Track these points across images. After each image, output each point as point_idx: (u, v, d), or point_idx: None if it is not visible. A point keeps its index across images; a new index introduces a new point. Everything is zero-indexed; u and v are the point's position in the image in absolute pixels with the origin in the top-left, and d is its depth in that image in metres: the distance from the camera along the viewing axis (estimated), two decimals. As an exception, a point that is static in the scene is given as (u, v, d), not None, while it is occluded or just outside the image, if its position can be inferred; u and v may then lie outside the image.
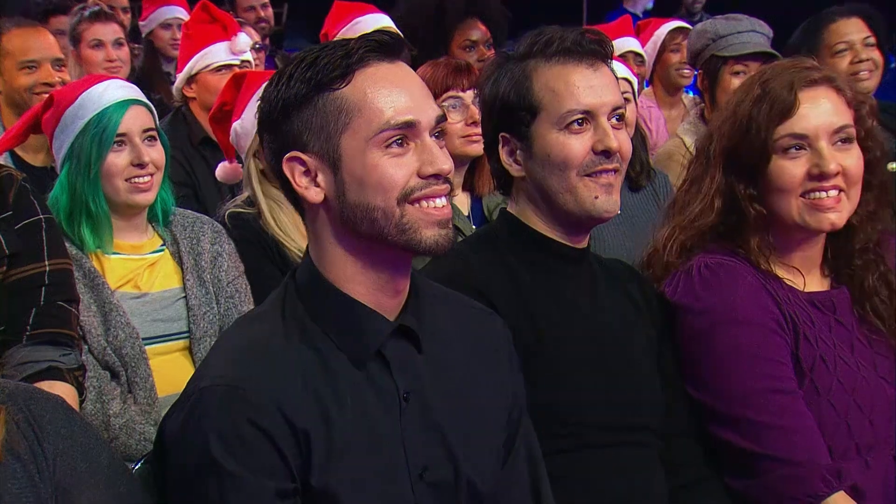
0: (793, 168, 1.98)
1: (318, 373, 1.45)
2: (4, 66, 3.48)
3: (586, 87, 1.85)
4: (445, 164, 1.48)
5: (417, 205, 1.47)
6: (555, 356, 1.85)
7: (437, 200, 1.49)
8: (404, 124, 1.46)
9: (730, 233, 2.03)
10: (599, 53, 1.89)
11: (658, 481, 1.92)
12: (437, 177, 1.48)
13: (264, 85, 1.52)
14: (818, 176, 1.96)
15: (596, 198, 1.87)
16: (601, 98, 1.86)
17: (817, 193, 1.97)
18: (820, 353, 1.97)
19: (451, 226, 1.52)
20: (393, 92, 1.46)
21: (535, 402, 1.77)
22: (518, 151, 1.91)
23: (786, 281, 2.04)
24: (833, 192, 1.97)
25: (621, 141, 1.88)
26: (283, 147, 1.47)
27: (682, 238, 2.07)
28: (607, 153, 1.86)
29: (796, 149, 1.98)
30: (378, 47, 1.47)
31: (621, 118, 1.91)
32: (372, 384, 1.49)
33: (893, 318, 2.05)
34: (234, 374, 1.43)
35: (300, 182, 1.47)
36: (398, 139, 1.46)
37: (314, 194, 1.47)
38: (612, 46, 1.94)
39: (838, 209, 1.98)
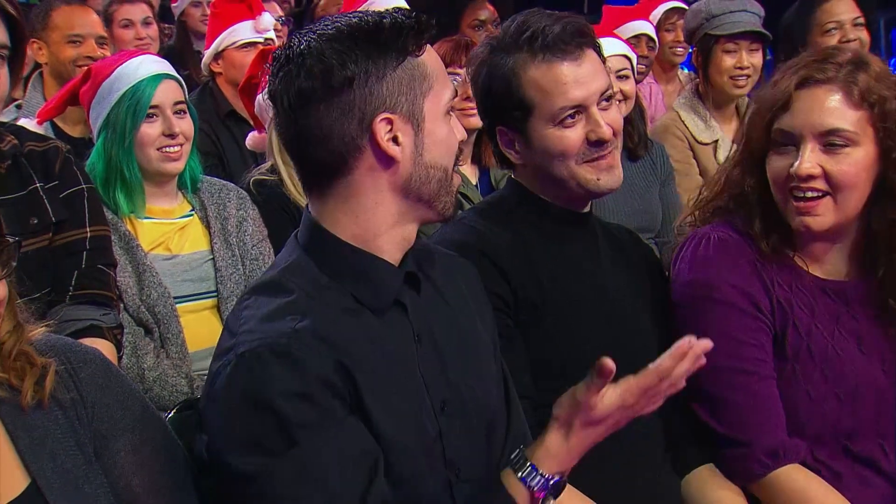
0: (777, 163, 1.87)
1: (344, 322, 1.46)
2: (52, 38, 3.51)
3: (573, 81, 1.83)
4: (463, 131, 1.57)
5: (455, 168, 1.54)
6: (560, 314, 1.85)
7: (460, 164, 1.57)
8: (455, 95, 1.55)
9: (740, 210, 1.94)
10: (582, 43, 1.86)
11: (657, 433, 1.92)
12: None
13: (300, 53, 1.45)
14: (795, 176, 1.83)
15: (598, 179, 1.88)
16: (589, 89, 1.84)
17: (797, 193, 1.84)
18: (808, 343, 1.89)
19: None
20: (442, 65, 1.54)
21: (542, 358, 1.79)
22: (516, 143, 1.90)
23: (798, 265, 1.92)
24: (811, 194, 1.83)
25: (612, 120, 1.87)
26: (373, 107, 1.45)
27: (705, 208, 2.00)
28: (600, 142, 1.85)
29: (784, 145, 1.86)
30: (430, 24, 1.51)
31: (610, 98, 1.89)
32: (391, 330, 1.50)
33: None
34: (275, 336, 1.40)
35: (385, 140, 1.46)
36: (450, 108, 1.53)
37: (397, 152, 1.47)
38: (592, 30, 1.91)
39: (816, 213, 1.83)
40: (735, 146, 2.02)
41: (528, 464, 1.46)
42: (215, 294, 2.55)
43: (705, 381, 1.87)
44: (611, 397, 1.44)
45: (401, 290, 1.53)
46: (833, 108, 1.82)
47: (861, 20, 3.54)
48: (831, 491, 1.85)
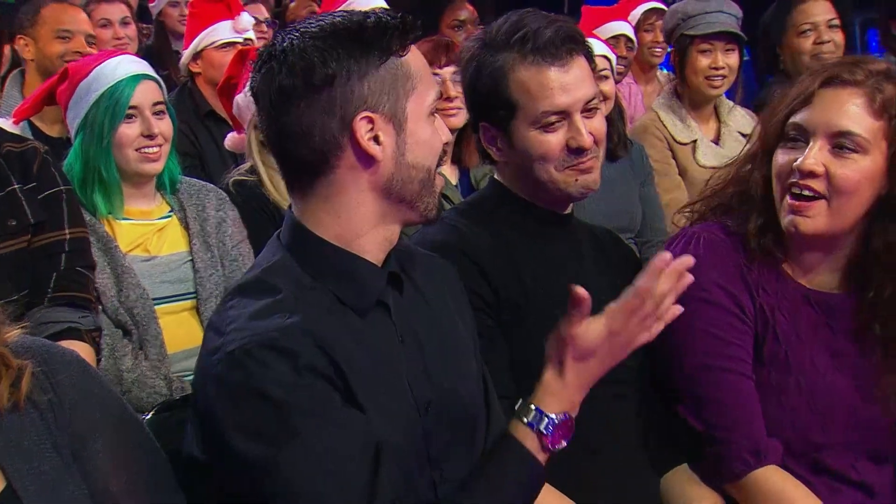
0: (783, 157, 1.84)
1: (330, 322, 1.45)
2: (40, 33, 3.50)
3: (559, 88, 1.84)
4: (449, 134, 1.57)
5: (437, 169, 1.54)
6: (542, 314, 1.83)
7: (441, 166, 1.57)
8: (439, 96, 1.54)
9: (740, 207, 1.92)
10: (573, 50, 1.86)
11: (636, 431, 1.93)
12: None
13: (282, 51, 1.45)
14: (797, 171, 1.80)
15: (576, 180, 1.88)
16: (574, 96, 1.85)
17: (795, 189, 1.81)
18: (785, 350, 1.87)
19: None
20: (427, 66, 1.53)
21: (523, 359, 1.77)
22: (498, 141, 1.91)
23: (785, 271, 1.90)
24: (808, 193, 1.80)
25: (594, 129, 1.88)
26: (354, 106, 1.45)
27: (706, 201, 1.99)
28: (580, 150, 1.86)
29: (795, 140, 1.83)
30: (416, 24, 1.51)
31: (595, 108, 1.89)
32: (375, 330, 1.50)
33: (889, 330, 1.86)
34: (264, 332, 1.40)
35: (366, 139, 1.46)
36: (434, 109, 1.52)
37: (378, 151, 1.47)
38: (583, 37, 1.91)
39: (807, 214, 1.80)
40: (748, 143, 2.00)
41: (533, 407, 1.47)
42: (194, 295, 2.54)
43: (689, 379, 1.89)
44: (596, 327, 1.46)
45: (384, 291, 1.52)
46: (852, 111, 1.80)
47: (836, 21, 3.57)
48: (809, 495, 1.84)
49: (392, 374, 1.49)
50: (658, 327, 1.51)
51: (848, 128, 1.79)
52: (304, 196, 1.51)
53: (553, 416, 1.47)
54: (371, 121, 1.45)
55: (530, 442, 1.47)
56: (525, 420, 1.48)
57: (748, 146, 1.99)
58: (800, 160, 1.80)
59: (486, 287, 1.83)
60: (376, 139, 1.46)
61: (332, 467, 1.37)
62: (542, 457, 1.49)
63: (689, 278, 1.47)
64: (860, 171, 1.79)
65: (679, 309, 1.50)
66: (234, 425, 1.38)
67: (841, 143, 1.79)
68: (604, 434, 1.86)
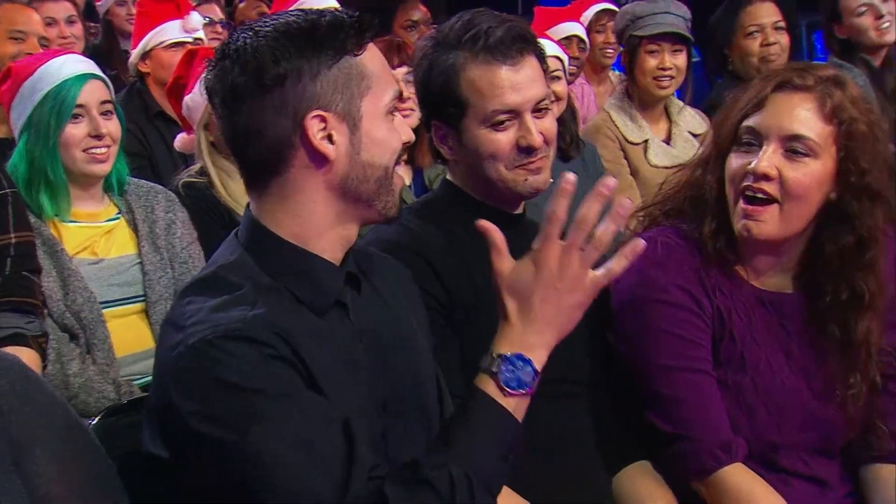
0: (736, 161, 1.86)
1: (290, 320, 1.44)
2: None
3: (509, 87, 1.84)
4: (410, 133, 1.55)
5: (395, 168, 1.52)
6: (494, 313, 1.83)
7: (400, 166, 1.55)
8: (398, 95, 1.53)
9: (693, 211, 1.93)
10: (524, 49, 1.87)
11: (589, 431, 1.93)
12: (406, 144, 1.57)
13: (234, 49, 1.45)
14: (751, 174, 1.82)
15: (526, 180, 1.89)
16: (524, 95, 1.85)
17: (748, 193, 1.83)
18: (741, 350, 1.89)
19: None
20: (385, 65, 1.52)
21: (475, 357, 1.77)
22: (450, 139, 1.91)
23: (738, 273, 1.92)
24: (761, 196, 1.82)
25: (545, 129, 1.89)
26: (305, 105, 1.44)
27: (655, 207, 2.00)
28: (530, 149, 1.86)
29: (748, 144, 1.85)
30: (373, 23, 1.50)
31: (544, 109, 1.90)
32: (333, 329, 1.49)
33: (845, 332, 1.89)
34: (227, 323, 1.38)
35: (318, 138, 1.45)
36: (393, 108, 1.51)
37: (331, 150, 1.46)
38: (535, 37, 1.92)
39: (760, 218, 1.82)
40: (701, 147, 2.02)
41: (488, 354, 1.45)
42: (143, 298, 2.51)
43: (654, 381, 1.89)
44: (524, 263, 1.45)
45: (342, 290, 1.52)
46: (804, 115, 1.83)
47: (782, 24, 3.62)
48: (775, 494, 1.85)
49: (351, 374, 1.48)
50: (596, 254, 1.44)
51: (800, 132, 1.82)
52: (262, 195, 1.50)
53: (506, 353, 1.43)
54: (324, 120, 1.45)
55: (490, 387, 1.43)
56: (482, 366, 1.45)
57: (701, 150, 2.00)
58: (754, 163, 1.82)
59: (439, 287, 1.83)
60: (330, 138, 1.45)
61: (306, 438, 1.34)
62: (505, 401, 1.43)
63: (627, 203, 1.43)
64: (811, 174, 1.82)
65: (641, 242, 1.46)
66: (200, 416, 1.35)
67: (793, 146, 1.82)
68: (557, 434, 1.87)
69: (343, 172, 1.47)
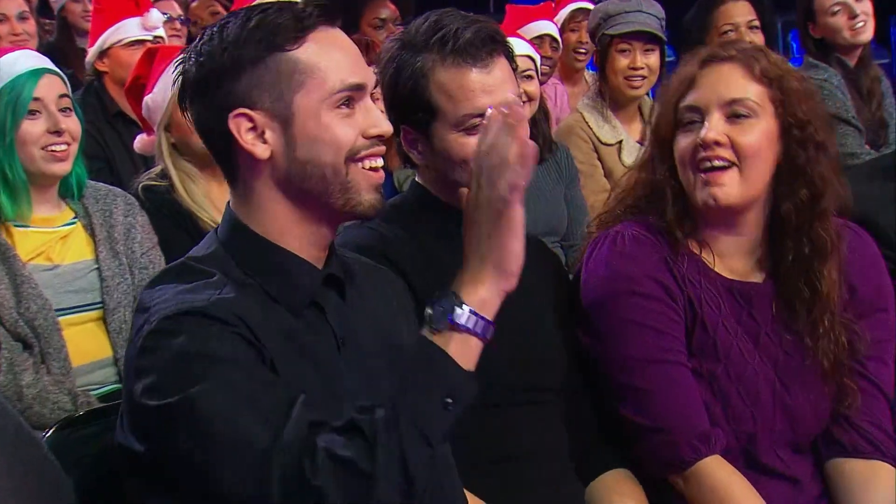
0: (684, 141, 1.91)
1: (256, 310, 1.42)
2: None
3: (481, 89, 1.81)
4: (386, 125, 1.49)
5: (361, 164, 1.47)
6: None
7: (377, 161, 1.49)
8: (355, 86, 1.46)
9: (652, 206, 1.96)
10: (494, 51, 1.84)
11: (561, 439, 1.92)
12: (380, 137, 1.49)
13: (192, 47, 1.48)
14: (702, 146, 1.86)
15: None
16: (496, 97, 1.81)
17: (704, 164, 1.86)
18: (714, 340, 1.91)
19: (382, 192, 1.51)
20: (342, 55, 1.46)
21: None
22: (419, 144, 1.89)
23: (705, 262, 1.95)
24: (718, 163, 1.86)
25: None
26: (228, 105, 1.44)
27: (615, 208, 2.02)
28: None
29: (691, 122, 1.91)
30: (325, 12, 1.46)
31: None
32: (309, 331, 1.47)
33: (810, 322, 1.92)
34: (191, 302, 1.37)
35: (246, 138, 1.44)
36: (346, 100, 1.46)
37: (261, 150, 1.44)
38: (504, 37, 1.89)
39: (722, 182, 1.86)
40: (644, 148, 2.04)
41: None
42: (101, 305, 2.46)
43: (629, 374, 1.89)
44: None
45: (320, 291, 1.49)
46: (735, 80, 1.89)
47: (756, 23, 3.63)
48: (752, 489, 1.86)
49: (324, 378, 1.45)
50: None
51: (737, 95, 1.88)
52: (233, 191, 1.51)
53: (436, 296, 1.41)
54: (251, 119, 1.43)
55: (424, 330, 1.40)
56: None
57: (642, 153, 2.04)
58: (703, 133, 1.86)
59: (408, 290, 1.79)
60: (263, 137, 1.44)
61: (247, 394, 1.32)
62: (436, 339, 1.37)
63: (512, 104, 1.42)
64: (760, 133, 1.88)
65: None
66: (152, 391, 1.33)
67: (735, 110, 1.87)
68: (529, 442, 1.85)
69: (283, 170, 1.46)
